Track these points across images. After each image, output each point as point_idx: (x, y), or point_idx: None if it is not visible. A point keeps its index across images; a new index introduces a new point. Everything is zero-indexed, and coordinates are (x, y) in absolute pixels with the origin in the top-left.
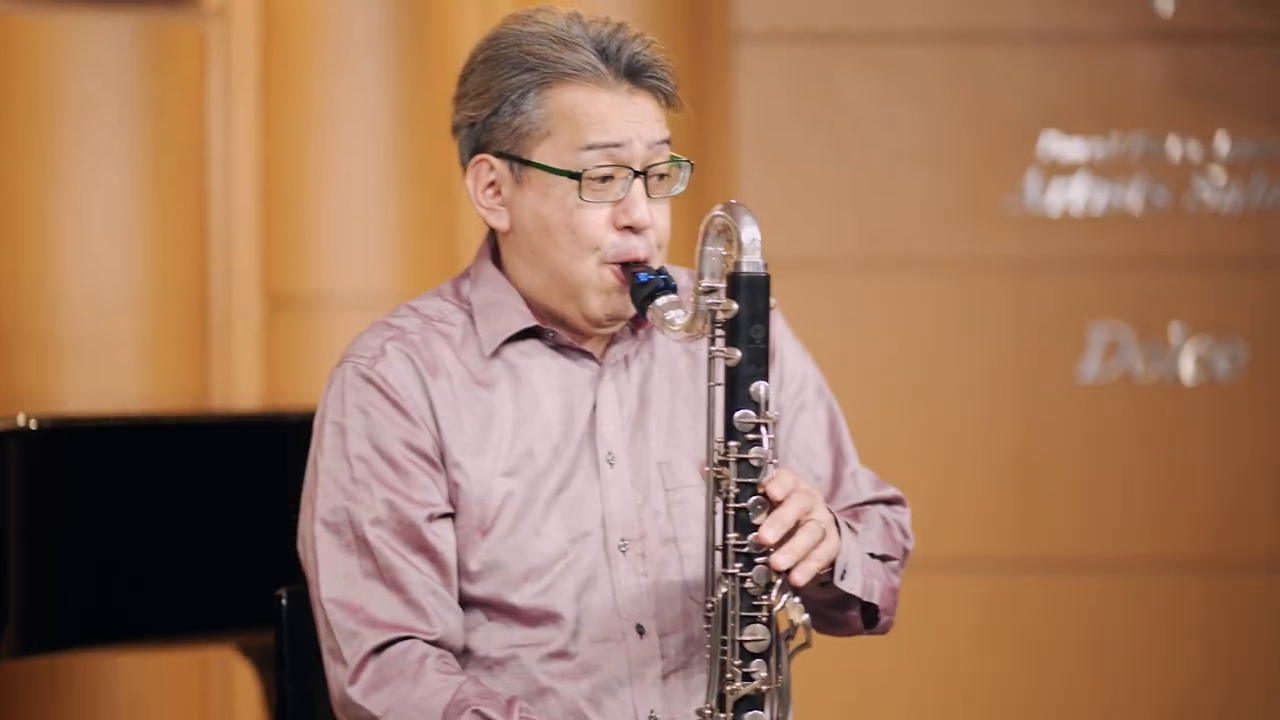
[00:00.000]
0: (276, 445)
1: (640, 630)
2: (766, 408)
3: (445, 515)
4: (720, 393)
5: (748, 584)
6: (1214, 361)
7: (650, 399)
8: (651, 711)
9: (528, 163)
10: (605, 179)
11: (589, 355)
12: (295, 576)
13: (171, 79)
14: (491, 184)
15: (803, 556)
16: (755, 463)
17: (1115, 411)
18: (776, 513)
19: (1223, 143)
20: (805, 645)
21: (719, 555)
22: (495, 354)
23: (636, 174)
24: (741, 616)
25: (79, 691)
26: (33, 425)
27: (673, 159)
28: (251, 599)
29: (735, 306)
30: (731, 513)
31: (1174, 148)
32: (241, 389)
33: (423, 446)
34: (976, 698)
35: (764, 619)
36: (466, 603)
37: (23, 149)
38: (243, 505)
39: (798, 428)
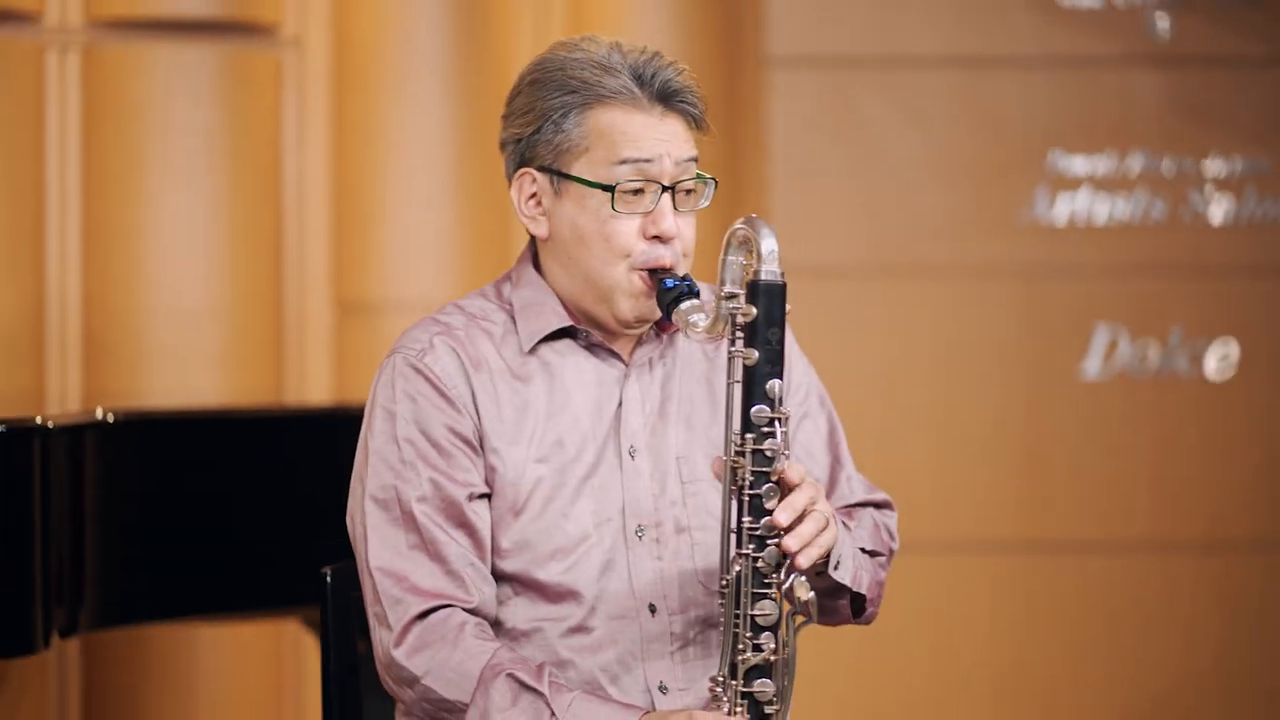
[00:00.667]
0: (328, 437)
1: (652, 609)
2: (780, 404)
3: (483, 495)
4: (739, 389)
5: (759, 564)
6: (1206, 360)
7: (671, 398)
8: (661, 682)
9: (567, 176)
10: (636, 192)
11: (617, 356)
12: (340, 556)
13: (249, 103)
14: (534, 195)
15: (808, 542)
16: (769, 453)
17: (1116, 406)
18: (789, 498)
19: (1216, 160)
20: (809, 620)
21: (734, 537)
22: (532, 351)
23: (665, 188)
24: (753, 593)
25: (162, 662)
26: (110, 418)
27: (699, 176)
28: (307, 577)
29: (754, 311)
30: (746, 498)
31: (1171, 164)
32: (313, 390)
33: (465, 432)
34: (984, 672)
35: (773, 596)
36: (498, 577)
37: (113, 168)
38: (297, 491)
39: (800, 434)
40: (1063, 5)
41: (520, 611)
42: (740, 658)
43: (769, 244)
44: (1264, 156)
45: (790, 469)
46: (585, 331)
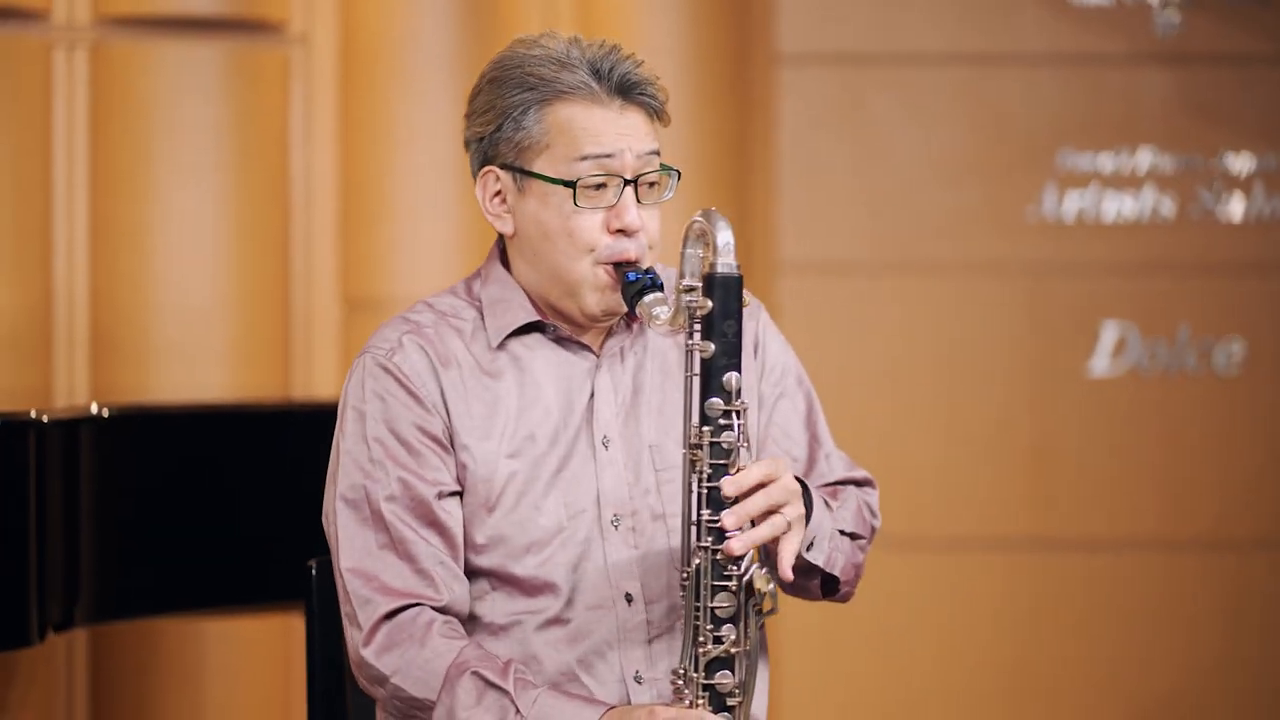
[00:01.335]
0: (326, 431)
1: (629, 598)
2: (737, 397)
3: (454, 493)
4: (696, 382)
5: (718, 556)
6: (1214, 357)
7: (643, 387)
8: (637, 671)
9: (528, 173)
10: (598, 187)
11: (587, 348)
12: (323, 550)
13: (257, 100)
14: (498, 193)
15: (756, 545)
16: (726, 446)
17: (1123, 403)
18: (739, 475)
19: (1224, 157)
20: (772, 611)
21: (694, 529)
22: (501, 346)
23: (627, 182)
24: (713, 585)
25: (169, 655)
26: (104, 413)
27: (663, 167)
28: (307, 571)
29: (709, 304)
30: (704, 491)
31: (1179, 162)
32: (321, 386)
33: (434, 431)
34: (990, 669)
35: (733, 588)
36: (474, 573)
37: (120, 165)
38: (295, 485)
39: (777, 414)
40: (1071, 2)
41: (498, 606)
42: (701, 650)
43: (724, 236)
44: (1272, 154)
45: (732, 481)
46: (554, 325)
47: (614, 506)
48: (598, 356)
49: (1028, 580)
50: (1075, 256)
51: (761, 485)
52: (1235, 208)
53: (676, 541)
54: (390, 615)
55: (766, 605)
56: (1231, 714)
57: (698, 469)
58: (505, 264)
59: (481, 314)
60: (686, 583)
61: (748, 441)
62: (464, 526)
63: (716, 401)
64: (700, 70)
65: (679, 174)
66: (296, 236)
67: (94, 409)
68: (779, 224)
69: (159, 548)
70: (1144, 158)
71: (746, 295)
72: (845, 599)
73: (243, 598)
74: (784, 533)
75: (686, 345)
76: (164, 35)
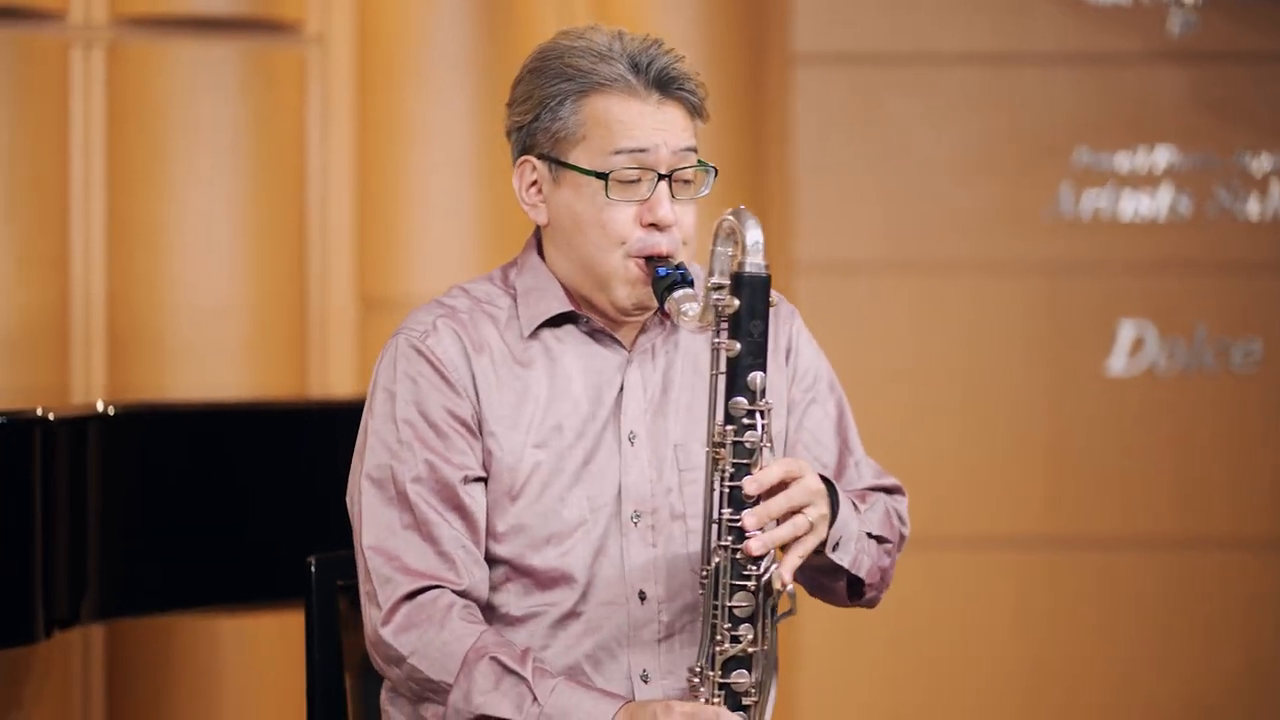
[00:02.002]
0: (336, 429)
1: (642, 596)
2: (761, 396)
3: (479, 479)
4: (722, 381)
5: (738, 555)
6: (1231, 356)
7: (672, 386)
8: (644, 671)
9: (564, 164)
10: (632, 181)
11: (619, 342)
12: (342, 547)
13: (273, 100)
14: (534, 183)
15: (776, 545)
16: (749, 445)
17: (1140, 402)
18: (760, 473)
19: (1240, 155)
20: (790, 612)
21: (715, 528)
22: (534, 336)
23: (662, 176)
24: (732, 584)
25: (186, 651)
26: (110, 410)
27: (700, 164)
28: (304, 569)
29: (737, 303)
30: (726, 490)
31: (1195, 160)
32: (337, 385)
33: (463, 415)
34: (1008, 667)
35: (751, 588)
36: (491, 561)
37: (137, 165)
38: (303, 482)
39: (808, 419)
40: (1086, 1)
41: (513, 598)
42: (718, 649)
43: (754, 235)
44: None
45: (753, 480)
46: (587, 318)
47: (635, 503)
48: (629, 352)
49: (1044, 579)
50: (1092, 256)
51: (784, 485)
52: (1252, 206)
53: (694, 543)
54: (410, 596)
55: (784, 606)
56: (1248, 714)
57: (720, 468)
58: (542, 254)
59: (516, 302)
60: (706, 581)
61: (771, 442)
62: (486, 514)
63: (741, 400)
64: (716, 70)
65: (716, 171)
66: (313, 236)
67: (100, 406)
68: (795, 224)
69: (166, 545)
70: (1161, 156)
71: (779, 298)
72: (871, 604)
73: (251, 595)
74: (805, 533)
75: (713, 343)
76: (181, 35)
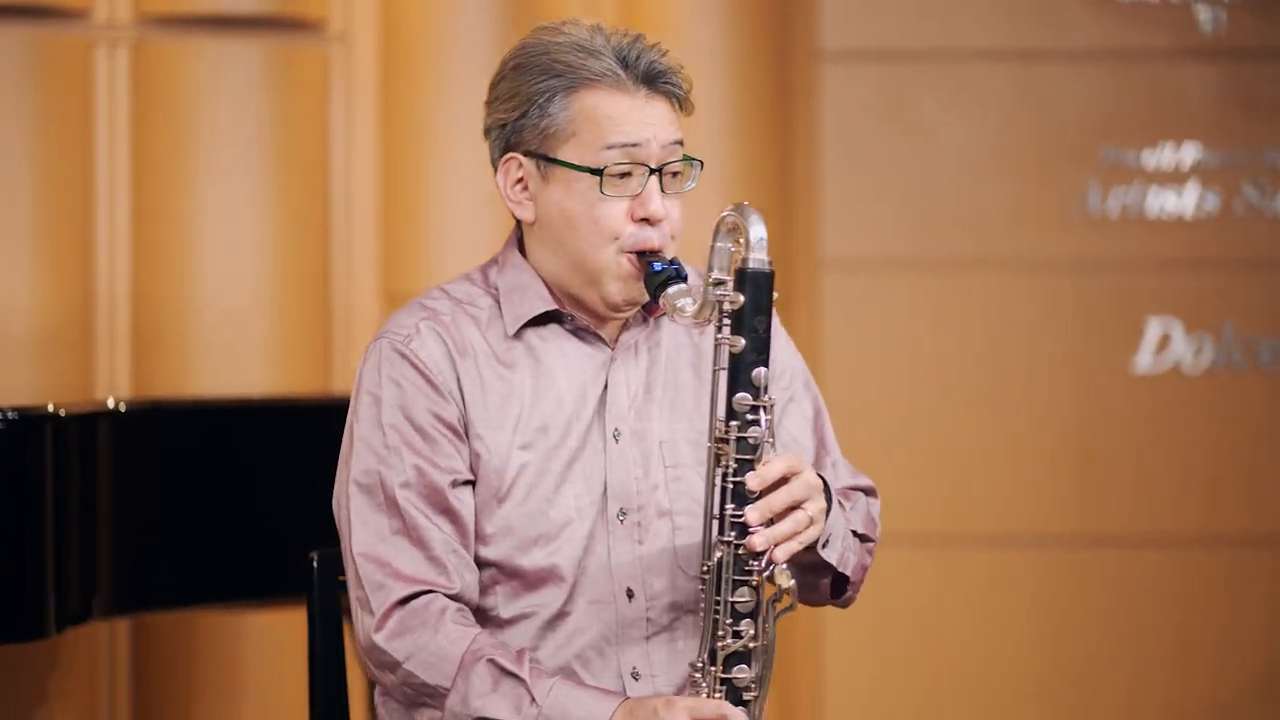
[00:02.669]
0: (339, 425)
1: (630, 594)
2: (765, 392)
3: (467, 482)
4: (724, 376)
5: (740, 551)
6: (1259, 354)
7: (657, 383)
8: (634, 668)
9: (554, 160)
10: (624, 175)
11: (603, 340)
12: (337, 543)
13: (297, 98)
14: (520, 180)
15: (780, 540)
16: (752, 441)
17: (1167, 399)
18: (762, 469)
19: (1268, 152)
20: (790, 608)
21: (716, 523)
22: (517, 335)
23: (652, 171)
24: (733, 580)
25: (210, 645)
26: (121, 407)
27: (686, 158)
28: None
29: (741, 299)
30: (729, 485)
31: (1224, 157)
32: None
33: (449, 418)
34: (1035, 666)
35: (753, 583)
36: (480, 564)
37: (161, 162)
38: (313, 478)
39: (785, 418)
40: None
41: (502, 600)
42: (720, 644)
43: (758, 231)
44: None
45: (756, 476)
46: (571, 315)
47: (621, 500)
48: (613, 349)
49: (1069, 577)
50: (1119, 253)
51: (784, 480)
52: (1279, 203)
53: (681, 540)
54: (404, 601)
55: (785, 602)
56: (1277, 714)
57: (722, 464)
58: (523, 252)
59: (498, 302)
60: (707, 576)
61: (773, 438)
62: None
63: (745, 396)
64: (743, 67)
65: (701, 164)
66: (337, 233)
67: (110, 403)
68: (822, 221)
69: (177, 541)
70: (1189, 153)
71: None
72: (847, 604)
73: (263, 591)
74: (805, 528)
75: (715, 339)
76: (205, 34)
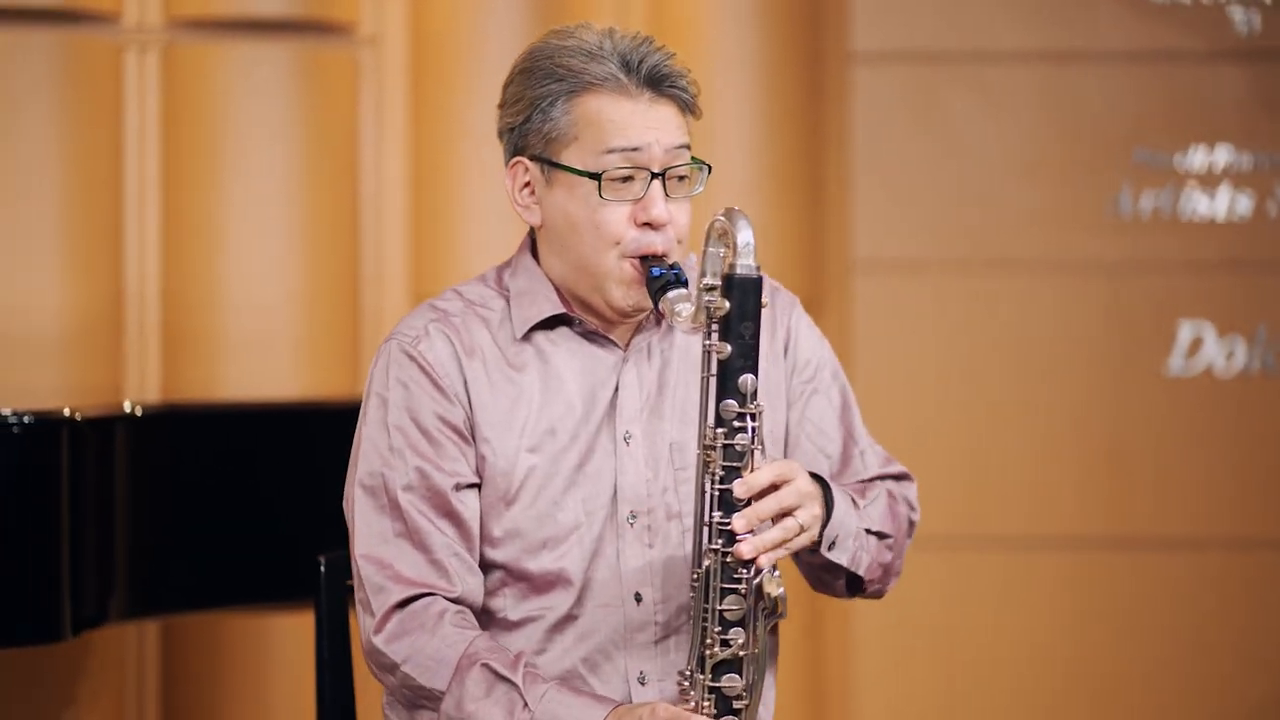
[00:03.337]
0: (354, 430)
1: (638, 598)
2: (752, 399)
3: (471, 485)
4: (713, 383)
5: (729, 558)
6: None
7: (668, 385)
8: (641, 672)
9: (556, 165)
10: (625, 180)
11: (614, 343)
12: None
13: (327, 100)
14: (527, 184)
15: (767, 549)
16: (740, 448)
17: (1199, 403)
18: (749, 477)
19: None
20: (781, 615)
21: (705, 531)
22: (526, 338)
23: (655, 175)
24: (722, 588)
25: (238, 646)
26: (138, 411)
27: (693, 161)
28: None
29: (727, 304)
30: (717, 493)
31: (1256, 159)
32: None
33: (455, 421)
34: (1066, 668)
35: (742, 591)
36: (487, 567)
37: (191, 165)
38: (323, 483)
39: (811, 410)
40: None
41: (509, 603)
42: (708, 652)
43: (745, 237)
44: None
45: (742, 483)
46: (580, 319)
47: (631, 503)
48: (625, 351)
49: (1101, 580)
50: (1151, 255)
51: (774, 487)
52: None
53: (691, 543)
54: (403, 604)
55: (776, 609)
56: None
57: (710, 471)
58: (535, 255)
59: (509, 304)
60: (696, 584)
61: (762, 445)
62: (481, 519)
63: (731, 403)
64: (774, 70)
65: (709, 168)
66: (367, 235)
67: (127, 407)
68: (854, 223)
69: (193, 544)
70: (1221, 155)
71: (777, 286)
72: (878, 596)
73: (279, 594)
74: (795, 535)
75: (704, 346)
76: (234, 37)
